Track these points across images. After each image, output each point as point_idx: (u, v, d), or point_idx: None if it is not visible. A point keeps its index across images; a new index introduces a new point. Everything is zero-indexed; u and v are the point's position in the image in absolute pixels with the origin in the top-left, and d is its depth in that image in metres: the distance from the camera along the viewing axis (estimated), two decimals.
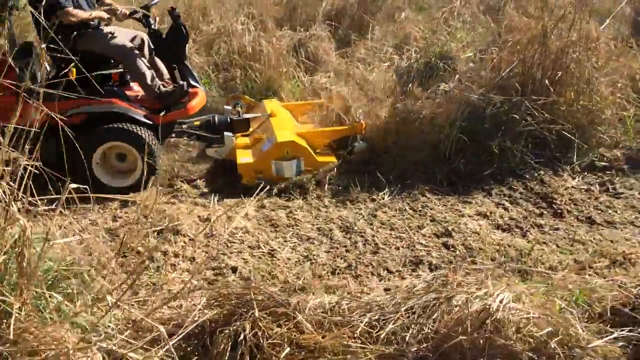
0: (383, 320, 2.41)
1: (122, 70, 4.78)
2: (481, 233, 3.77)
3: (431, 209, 4.14)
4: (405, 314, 2.42)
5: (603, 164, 4.63)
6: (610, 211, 4.05)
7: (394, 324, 2.38)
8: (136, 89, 4.85)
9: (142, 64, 4.56)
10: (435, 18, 8.18)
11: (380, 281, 3.15)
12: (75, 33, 4.41)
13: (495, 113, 4.67)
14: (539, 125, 4.62)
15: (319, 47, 7.57)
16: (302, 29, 7.76)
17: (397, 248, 3.62)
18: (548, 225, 3.90)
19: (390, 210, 4.15)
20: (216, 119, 5.01)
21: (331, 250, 3.61)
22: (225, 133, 4.77)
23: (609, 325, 2.45)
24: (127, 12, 4.64)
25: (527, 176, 4.53)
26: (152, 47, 4.79)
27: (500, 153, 4.53)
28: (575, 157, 4.63)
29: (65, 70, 4.20)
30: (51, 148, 3.80)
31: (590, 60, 5.03)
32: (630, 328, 2.41)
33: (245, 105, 5.59)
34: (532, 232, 3.82)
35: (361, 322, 2.38)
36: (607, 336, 2.33)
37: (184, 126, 4.88)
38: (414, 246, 3.62)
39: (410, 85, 5.38)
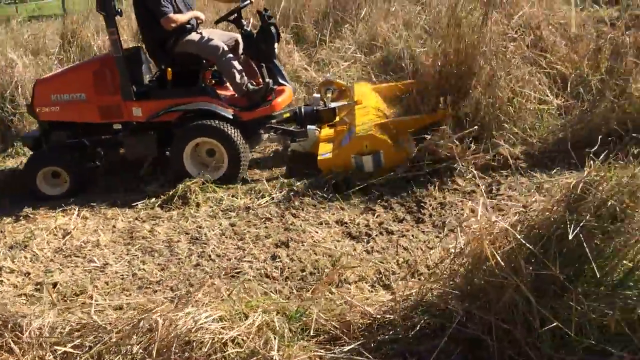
0: (95, 341, 2.47)
1: (215, 69, 5.14)
2: (321, 243, 3.70)
3: (294, 217, 4.10)
4: (116, 335, 2.47)
5: (494, 164, 4.37)
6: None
7: (103, 345, 2.45)
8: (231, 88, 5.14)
9: (233, 64, 4.82)
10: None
11: (168, 297, 3.17)
12: (174, 37, 4.79)
13: None
14: None
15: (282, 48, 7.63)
16: None
17: (229, 259, 3.63)
18: (399, 232, 3.76)
19: (256, 219, 4.16)
20: (302, 110, 5.08)
21: (164, 263, 3.68)
22: (309, 127, 4.88)
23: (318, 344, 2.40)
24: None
25: (422, 179, 4.37)
26: (244, 47, 5.07)
27: None
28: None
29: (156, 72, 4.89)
30: (151, 142, 4.77)
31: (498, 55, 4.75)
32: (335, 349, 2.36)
33: (337, 90, 5.65)
34: (378, 240, 3.70)
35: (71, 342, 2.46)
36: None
37: (273, 121, 5.01)
38: (242, 258, 3.61)
39: None
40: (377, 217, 3.99)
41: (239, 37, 5.14)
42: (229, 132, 4.61)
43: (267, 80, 4.89)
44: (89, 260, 3.76)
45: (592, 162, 2.35)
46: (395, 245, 3.57)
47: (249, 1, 5.04)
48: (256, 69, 5.15)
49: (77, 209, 4.52)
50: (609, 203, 2.19)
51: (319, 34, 8.23)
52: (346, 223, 3.94)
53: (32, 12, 19.71)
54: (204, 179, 4.58)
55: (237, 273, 3.42)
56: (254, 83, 4.97)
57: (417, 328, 2.42)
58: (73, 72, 5.21)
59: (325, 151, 4.62)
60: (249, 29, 4.95)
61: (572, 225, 2.15)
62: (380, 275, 3.19)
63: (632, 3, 6.72)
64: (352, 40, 7.86)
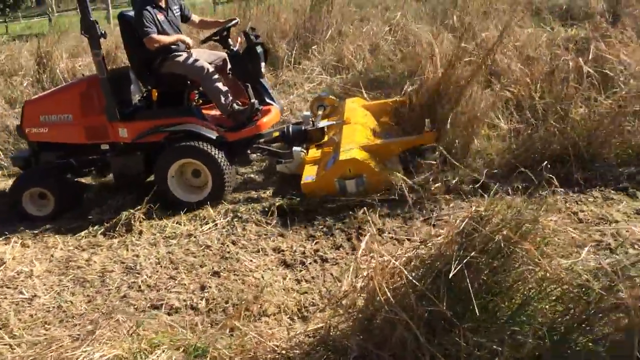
0: None
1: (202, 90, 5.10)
2: (252, 272, 3.66)
3: (234, 244, 4.07)
4: None
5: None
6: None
7: None
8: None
9: (218, 84, 4.81)
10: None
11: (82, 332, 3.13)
12: (160, 58, 4.79)
13: None
14: None
15: None
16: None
17: (158, 290, 3.59)
18: (332, 260, 3.73)
19: (195, 247, 4.13)
20: (290, 129, 5.07)
21: (92, 294, 3.64)
22: (294, 148, 4.86)
23: None
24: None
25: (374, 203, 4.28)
26: (231, 67, 5.06)
27: None
28: None
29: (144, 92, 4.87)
30: (138, 162, 4.80)
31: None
32: None
33: (329, 106, 5.65)
34: (311, 268, 3.67)
35: None
36: None
37: (261, 140, 5.02)
38: (172, 288, 3.58)
39: None
40: (315, 243, 3.96)
41: (225, 56, 5.15)
42: (212, 153, 4.59)
43: (253, 100, 4.87)
44: (19, 292, 3.72)
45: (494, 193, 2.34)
46: (323, 274, 3.53)
47: (235, 21, 5.05)
48: (240, 88, 5.13)
49: (20, 237, 4.49)
50: (496, 238, 2.17)
51: (286, 55, 8.28)
52: (283, 251, 3.91)
53: (22, 30, 19.75)
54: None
55: (161, 305, 3.38)
56: (240, 103, 4.94)
57: None
58: (60, 93, 5.22)
59: (309, 174, 4.58)
60: (235, 49, 4.96)
61: (457, 261, 2.13)
62: (300, 307, 3.15)
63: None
64: (318, 61, 7.90)
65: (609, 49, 5.29)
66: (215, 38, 5.01)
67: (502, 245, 2.15)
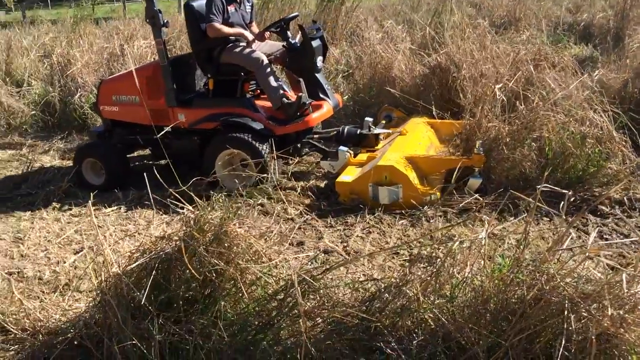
0: None
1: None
2: None
3: None
4: None
5: None
6: None
7: None
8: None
9: (271, 77, 4.87)
10: None
11: None
12: (219, 47, 4.95)
13: None
14: None
15: None
16: None
17: None
18: None
19: None
20: (345, 130, 5.05)
21: None
22: (340, 147, 4.83)
23: None
24: (268, 35, 5.12)
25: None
26: (287, 59, 5.08)
27: None
28: None
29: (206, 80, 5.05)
30: (194, 147, 4.99)
31: None
32: None
33: (396, 117, 5.63)
34: None
35: None
36: None
37: (315, 136, 5.11)
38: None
39: None
40: None
41: (282, 48, 5.14)
42: (257, 145, 4.63)
43: (300, 94, 4.80)
44: None
45: None
46: None
47: (295, 15, 5.19)
48: (295, 81, 5.11)
49: None
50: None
51: None
52: None
53: (106, 13, 21.11)
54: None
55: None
56: (289, 97, 4.94)
57: None
58: (130, 75, 5.27)
59: (347, 174, 4.52)
60: (293, 42, 4.94)
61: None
62: None
63: None
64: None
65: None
66: (275, 30, 5.04)
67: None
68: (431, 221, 3.98)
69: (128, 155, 5.56)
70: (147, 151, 5.87)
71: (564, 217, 3.57)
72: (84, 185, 5.25)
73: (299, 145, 5.08)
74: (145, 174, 3.09)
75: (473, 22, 7.43)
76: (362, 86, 6.68)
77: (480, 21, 7.38)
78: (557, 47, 6.84)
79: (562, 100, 4.52)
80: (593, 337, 2.01)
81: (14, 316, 2.96)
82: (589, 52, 8.29)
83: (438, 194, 4.17)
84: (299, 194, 4.63)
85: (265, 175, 4.51)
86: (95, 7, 22.85)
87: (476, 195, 3.60)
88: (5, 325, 2.92)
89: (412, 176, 4.21)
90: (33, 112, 7.56)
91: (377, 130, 5.09)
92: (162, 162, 5.50)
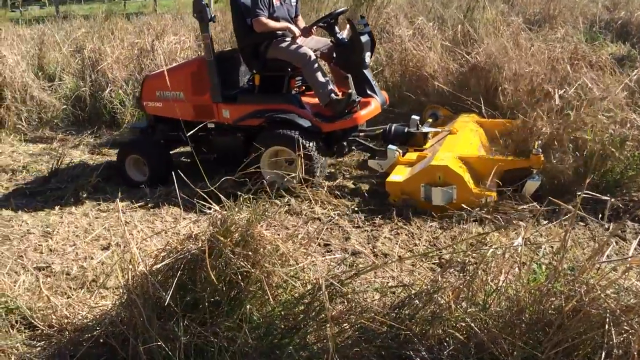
0: None
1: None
2: None
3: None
4: None
5: None
6: None
7: None
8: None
9: (319, 73, 4.75)
10: None
11: None
12: (266, 42, 4.86)
13: None
14: None
15: None
16: None
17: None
18: None
19: None
20: (392, 129, 4.94)
21: None
22: (390, 146, 4.69)
23: None
24: (314, 30, 4.95)
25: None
26: (335, 55, 4.99)
27: None
28: None
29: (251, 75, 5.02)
30: (238, 143, 4.93)
31: None
32: None
33: (442, 116, 5.50)
34: None
35: None
36: None
37: (361, 134, 5.04)
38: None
39: None
40: None
41: (330, 44, 5.06)
42: (304, 142, 4.50)
43: (350, 91, 4.72)
44: None
45: None
46: None
47: (343, 9, 5.11)
48: (342, 78, 5.07)
49: None
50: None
51: None
52: None
53: (137, 8, 21.32)
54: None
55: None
56: (337, 93, 4.84)
57: None
58: (175, 71, 5.27)
59: (397, 174, 4.39)
60: (341, 37, 4.84)
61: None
62: None
63: None
64: None
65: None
66: (322, 24, 4.88)
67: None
68: (464, 225, 3.87)
69: (171, 152, 5.52)
70: (188, 148, 5.73)
71: (606, 225, 3.44)
72: (127, 181, 5.25)
73: (344, 143, 4.98)
74: (175, 172, 3.04)
75: (506, 19, 7.29)
76: (391, 84, 6.59)
77: (514, 18, 7.24)
78: (594, 45, 6.70)
79: (600, 100, 4.39)
80: (635, 353, 1.93)
81: (42, 312, 2.97)
82: (627, 51, 8.06)
83: (495, 196, 4.00)
84: (326, 192, 4.58)
85: (311, 174, 4.46)
86: (126, 3, 23.13)
87: (535, 204, 3.35)
88: (33, 321, 2.93)
89: (467, 177, 4.08)
90: (64, 107, 7.62)
91: (425, 129, 4.95)
92: (188, 160, 5.47)
